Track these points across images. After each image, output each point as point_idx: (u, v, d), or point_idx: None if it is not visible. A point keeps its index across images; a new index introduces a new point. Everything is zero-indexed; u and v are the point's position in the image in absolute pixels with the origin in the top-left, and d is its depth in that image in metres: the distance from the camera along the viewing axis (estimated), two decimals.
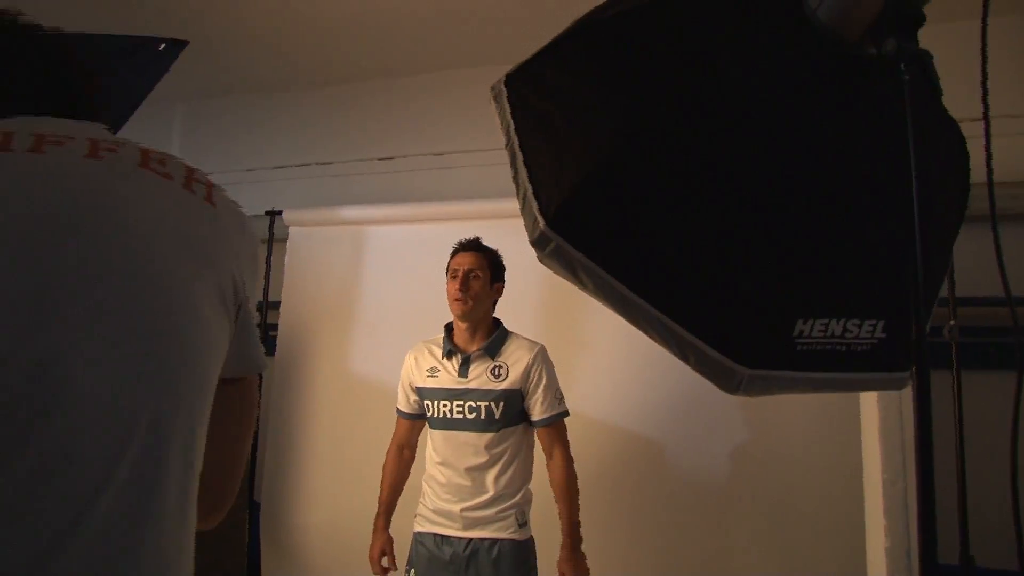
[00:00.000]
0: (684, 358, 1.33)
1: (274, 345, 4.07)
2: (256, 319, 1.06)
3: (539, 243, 1.30)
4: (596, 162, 1.30)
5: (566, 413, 2.80)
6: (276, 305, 4.14)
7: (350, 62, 4.22)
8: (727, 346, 1.30)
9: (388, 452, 3.01)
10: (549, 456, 2.79)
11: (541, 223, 1.29)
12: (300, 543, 3.82)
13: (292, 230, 4.17)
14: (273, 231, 4.23)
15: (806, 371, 1.34)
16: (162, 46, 2.10)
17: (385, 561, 2.85)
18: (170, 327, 0.89)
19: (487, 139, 4.03)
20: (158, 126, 4.67)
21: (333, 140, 4.46)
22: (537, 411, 2.75)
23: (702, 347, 1.30)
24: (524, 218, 1.34)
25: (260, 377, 1.12)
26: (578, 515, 2.75)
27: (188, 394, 0.90)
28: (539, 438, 2.80)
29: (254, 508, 3.94)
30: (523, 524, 2.74)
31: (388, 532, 2.90)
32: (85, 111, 1.10)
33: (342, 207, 4.10)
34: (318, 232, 4.13)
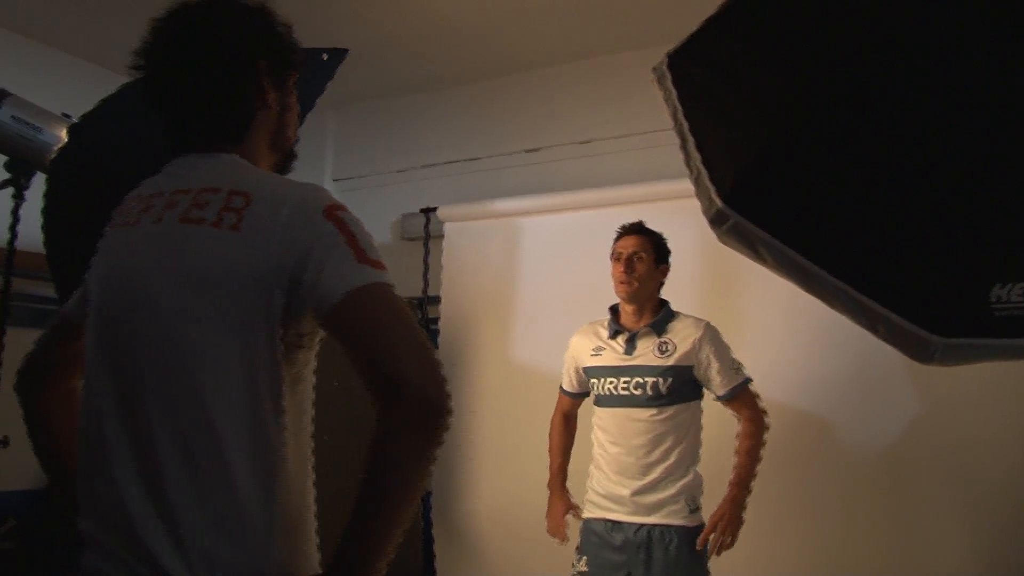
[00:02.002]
0: (873, 329, 1.29)
1: (436, 339, 4.18)
2: (334, 257, 1.14)
3: (716, 221, 1.29)
4: (772, 135, 1.28)
5: (748, 379, 2.76)
6: (436, 300, 4.25)
7: (491, 58, 4.28)
8: (919, 315, 1.26)
9: (552, 423, 3.05)
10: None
11: (717, 201, 1.28)
12: (471, 530, 3.92)
13: (447, 226, 4.27)
14: (429, 228, 4.35)
15: (1006, 338, 1.28)
16: (325, 56, 2.17)
17: (571, 516, 2.87)
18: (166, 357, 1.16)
19: (633, 124, 4.03)
20: (313, 134, 4.86)
21: (479, 135, 4.53)
22: (719, 385, 2.72)
23: (892, 318, 1.26)
24: (699, 196, 1.33)
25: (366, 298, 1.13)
26: (751, 477, 2.69)
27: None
28: (730, 411, 2.77)
29: (425, 498, 4.06)
30: (694, 510, 2.71)
31: (566, 494, 2.93)
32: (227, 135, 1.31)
33: (494, 200, 4.17)
34: (472, 226, 4.21)
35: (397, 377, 1.07)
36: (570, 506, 2.91)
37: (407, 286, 4.38)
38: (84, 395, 1.25)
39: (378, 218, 4.77)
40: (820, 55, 1.27)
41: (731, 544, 2.66)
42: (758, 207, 1.27)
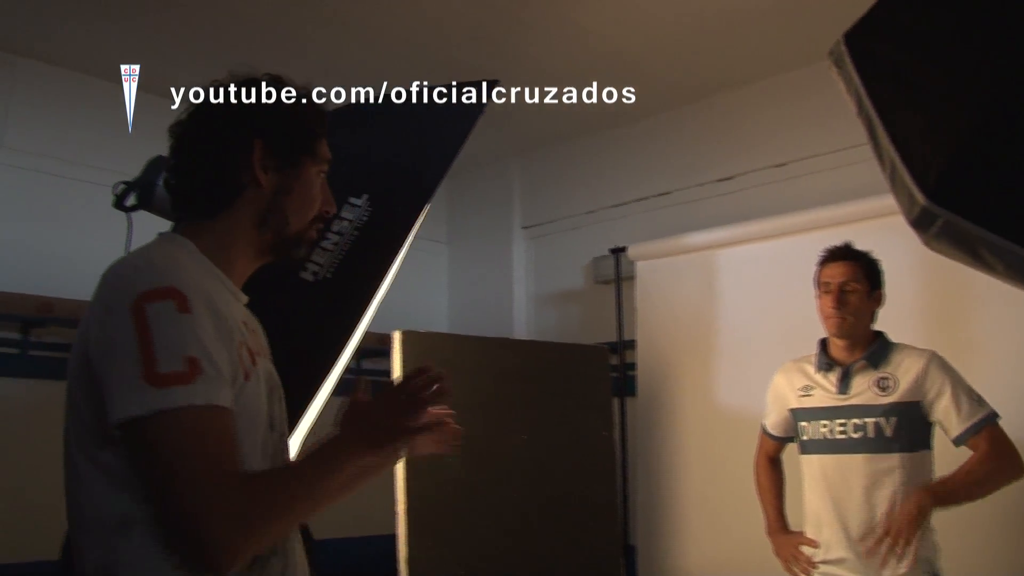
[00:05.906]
0: None
1: (634, 385, 3.98)
2: (120, 368, 1.09)
3: (921, 222, 1.04)
4: (989, 110, 1.01)
5: (995, 415, 2.32)
6: (632, 344, 4.06)
7: (673, 86, 4.07)
8: None
9: (757, 465, 2.76)
10: None
11: (920, 198, 1.03)
12: None
13: (639, 265, 4.07)
14: (620, 269, 4.17)
15: None
16: (470, 92, 2.12)
17: (808, 549, 2.48)
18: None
19: (831, 140, 3.70)
20: (498, 182, 4.85)
21: (668, 168, 4.32)
22: (956, 422, 2.31)
23: None
24: (896, 196, 1.08)
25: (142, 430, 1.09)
26: (959, 492, 2.26)
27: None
28: (973, 451, 2.33)
29: (630, 552, 3.85)
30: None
31: (792, 531, 2.59)
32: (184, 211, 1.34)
33: (686, 234, 3.95)
34: (665, 263, 4.00)
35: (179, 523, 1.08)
36: (801, 539, 2.52)
37: (602, 332, 4.21)
38: None
39: (570, 262, 4.67)
40: None
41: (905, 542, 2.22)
42: (975, 200, 1.00)
